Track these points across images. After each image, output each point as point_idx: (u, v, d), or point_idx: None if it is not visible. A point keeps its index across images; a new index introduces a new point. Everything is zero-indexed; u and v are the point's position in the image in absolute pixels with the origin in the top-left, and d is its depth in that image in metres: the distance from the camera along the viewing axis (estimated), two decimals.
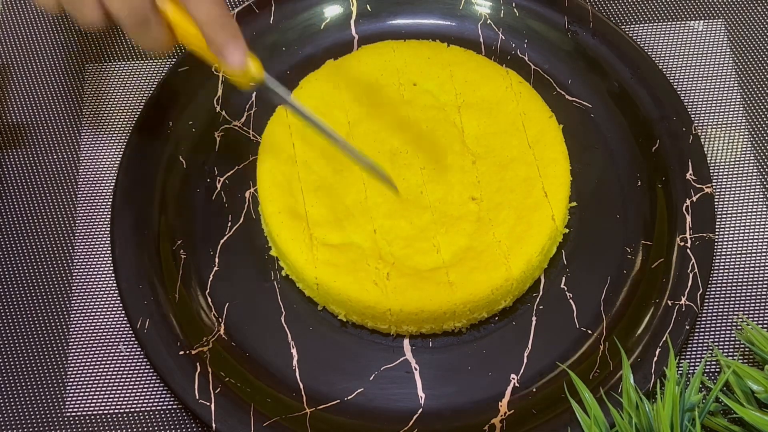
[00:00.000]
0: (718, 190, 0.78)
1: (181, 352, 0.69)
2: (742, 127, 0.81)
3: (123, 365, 0.72)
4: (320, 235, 0.71)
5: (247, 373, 0.70)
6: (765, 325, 0.73)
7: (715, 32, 0.85)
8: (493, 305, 0.71)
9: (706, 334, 0.72)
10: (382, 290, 0.69)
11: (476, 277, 0.70)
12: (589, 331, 0.72)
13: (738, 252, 0.76)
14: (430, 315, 0.69)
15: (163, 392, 0.71)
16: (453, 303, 0.69)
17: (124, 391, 0.71)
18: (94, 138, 0.81)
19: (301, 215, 0.72)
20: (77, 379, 0.71)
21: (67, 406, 0.71)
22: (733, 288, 0.74)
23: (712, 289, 0.74)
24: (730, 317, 0.73)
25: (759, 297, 0.74)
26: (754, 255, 0.75)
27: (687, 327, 0.69)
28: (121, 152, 0.79)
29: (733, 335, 0.72)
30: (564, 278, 0.74)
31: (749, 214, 0.77)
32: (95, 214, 0.78)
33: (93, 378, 0.71)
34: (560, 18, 0.82)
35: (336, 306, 0.72)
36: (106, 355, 0.72)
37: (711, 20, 0.86)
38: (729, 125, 0.81)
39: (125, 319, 0.73)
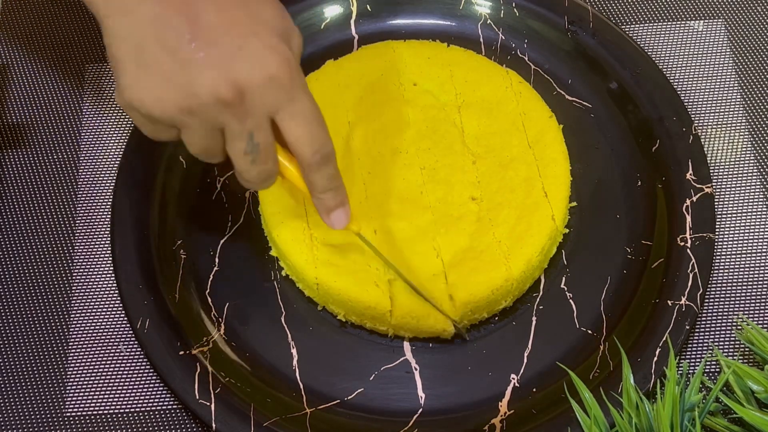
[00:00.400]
0: (718, 190, 0.78)
1: (181, 352, 0.69)
2: (742, 127, 0.81)
3: (123, 365, 0.72)
4: (321, 235, 0.71)
5: (247, 373, 0.70)
6: (765, 325, 0.73)
7: (715, 32, 0.85)
8: (493, 305, 0.71)
9: (706, 334, 0.72)
10: (382, 291, 0.69)
11: (476, 277, 0.70)
12: (589, 331, 0.72)
13: (738, 252, 0.76)
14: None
15: (163, 392, 0.71)
16: (454, 315, 0.69)
17: (124, 391, 0.71)
18: (94, 138, 0.81)
19: (301, 215, 0.72)
20: (77, 379, 0.71)
21: (67, 406, 0.71)
22: (733, 288, 0.74)
23: (712, 289, 0.74)
24: (730, 317, 0.73)
25: (759, 297, 0.74)
26: (754, 255, 0.75)
27: (687, 327, 0.69)
28: (121, 152, 0.80)
29: (733, 335, 0.72)
30: (564, 278, 0.74)
31: (749, 214, 0.77)
32: (95, 214, 0.78)
33: (93, 378, 0.71)
34: (560, 18, 0.82)
35: (335, 306, 0.72)
36: (106, 355, 0.72)
37: (711, 20, 0.86)
38: (729, 125, 0.81)
39: (125, 319, 0.73)
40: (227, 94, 0.56)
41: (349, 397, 0.70)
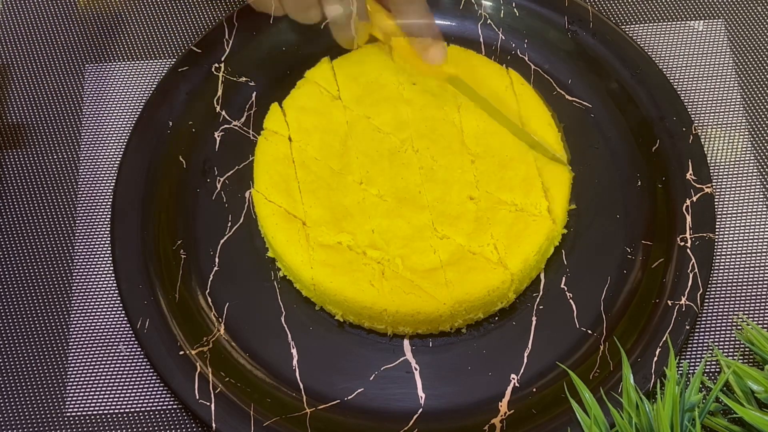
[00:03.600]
0: (718, 190, 0.78)
1: (181, 352, 0.69)
2: (742, 127, 0.81)
3: (123, 365, 0.72)
4: (317, 236, 0.71)
5: (247, 373, 0.70)
6: (765, 325, 0.73)
7: (715, 32, 0.85)
8: (489, 306, 0.71)
9: (706, 334, 0.72)
10: (378, 290, 0.69)
11: (473, 277, 0.70)
12: (589, 331, 0.72)
13: (738, 252, 0.76)
14: (426, 317, 0.69)
15: (163, 392, 0.71)
16: (449, 305, 0.69)
17: (124, 391, 0.71)
18: (94, 138, 0.81)
19: (297, 216, 0.72)
20: (77, 379, 0.71)
21: (67, 406, 0.71)
22: (733, 288, 0.74)
23: (712, 289, 0.74)
24: (730, 317, 0.73)
25: (759, 297, 0.74)
26: (754, 255, 0.75)
27: (687, 327, 0.69)
28: (121, 152, 0.80)
29: (733, 335, 0.72)
30: (564, 278, 0.74)
31: (749, 214, 0.77)
32: (95, 214, 0.78)
33: (93, 378, 0.71)
34: (560, 18, 0.82)
35: (333, 306, 0.72)
36: (106, 355, 0.72)
37: (711, 20, 0.86)
38: (729, 125, 0.81)
39: (125, 319, 0.73)
40: None
41: (349, 397, 0.70)
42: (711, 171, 0.77)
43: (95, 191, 0.79)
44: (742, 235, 0.76)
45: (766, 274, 0.75)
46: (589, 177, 0.78)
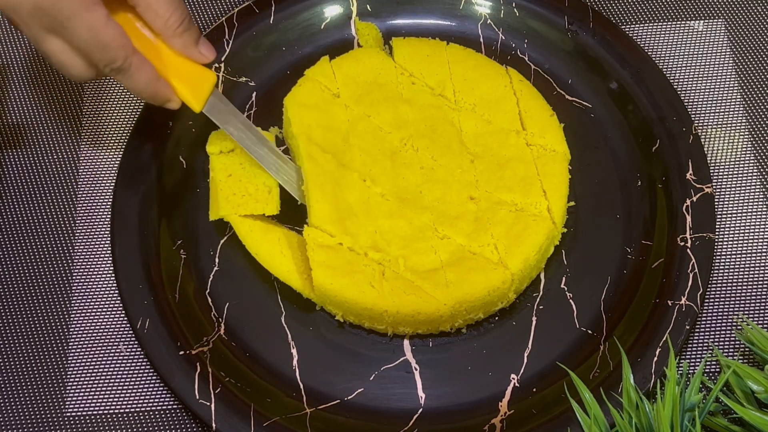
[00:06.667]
0: (718, 190, 0.78)
1: (181, 352, 0.69)
2: (742, 127, 0.81)
3: (123, 365, 0.72)
4: (317, 237, 0.71)
5: (247, 373, 0.70)
6: (765, 325, 0.73)
7: (715, 32, 0.85)
8: (489, 306, 0.71)
9: (706, 334, 0.72)
10: (378, 292, 0.69)
11: (473, 277, 0.70)
12: (589, 331, 0.72)
13: (738, 252, 0.76)
14: (426, 318, 0.69)
15: (163, 392, 0.71)
16: (450, 305, 0.69)
17: (124, 391, 0.71)
18: (94, 138, 0.81)
19: (275, 224, 0.72)
20: (77, 379, 0.71)
21: (67, 406, 0.71)
22: (733, 288, 0.74)
23: (712, 289, 0.74)
24: (730, 317, 0.73)
25: (759, 297, 0.74)
26: (754, 255, 0.75)
27: (687, 327, 0.69)
28: (121, 152, 0.79)
29: (733, 335, 0.72)
30: (564, 278, 0.74)
31: (749, 214, 0.77)
32: (95, 214, 0.78)
33: (93, 378, 0.71)
34: (560, 18, 0.82)
35: (333, 306, 0.72)
36: (106, 355, 0.72)
37: (711, 20, 0.86)
38: (729, 125, 0.81)
39: (125, 319, 0.73)
40: None
41: (349, 397, 0.70)
42: (711, 171, 0.77)
43: (95, 191, 0.79)
44: (742, 235, 0.76)
45: (766, 274, 0.75)
46: (589, 177, 0.78)
